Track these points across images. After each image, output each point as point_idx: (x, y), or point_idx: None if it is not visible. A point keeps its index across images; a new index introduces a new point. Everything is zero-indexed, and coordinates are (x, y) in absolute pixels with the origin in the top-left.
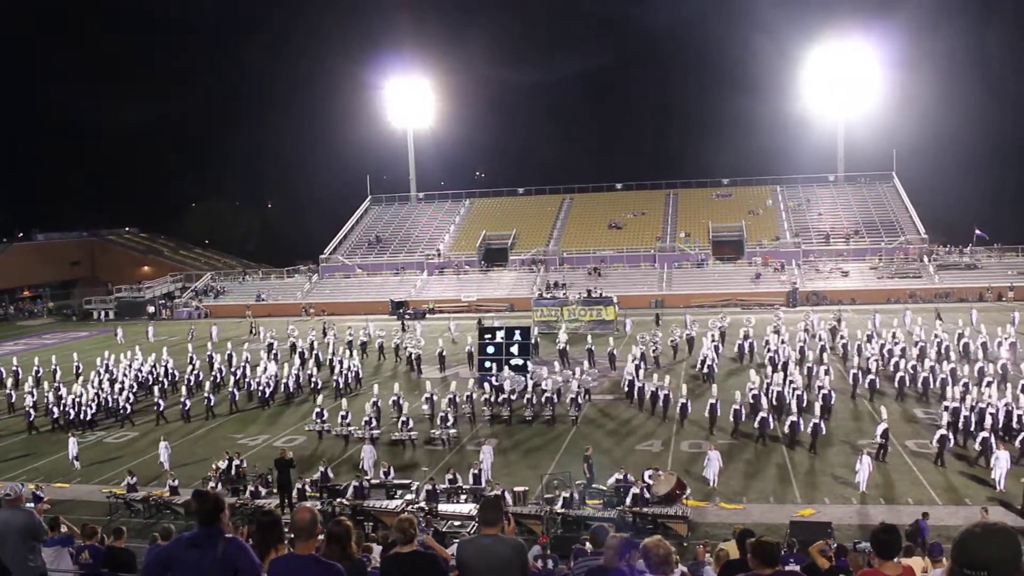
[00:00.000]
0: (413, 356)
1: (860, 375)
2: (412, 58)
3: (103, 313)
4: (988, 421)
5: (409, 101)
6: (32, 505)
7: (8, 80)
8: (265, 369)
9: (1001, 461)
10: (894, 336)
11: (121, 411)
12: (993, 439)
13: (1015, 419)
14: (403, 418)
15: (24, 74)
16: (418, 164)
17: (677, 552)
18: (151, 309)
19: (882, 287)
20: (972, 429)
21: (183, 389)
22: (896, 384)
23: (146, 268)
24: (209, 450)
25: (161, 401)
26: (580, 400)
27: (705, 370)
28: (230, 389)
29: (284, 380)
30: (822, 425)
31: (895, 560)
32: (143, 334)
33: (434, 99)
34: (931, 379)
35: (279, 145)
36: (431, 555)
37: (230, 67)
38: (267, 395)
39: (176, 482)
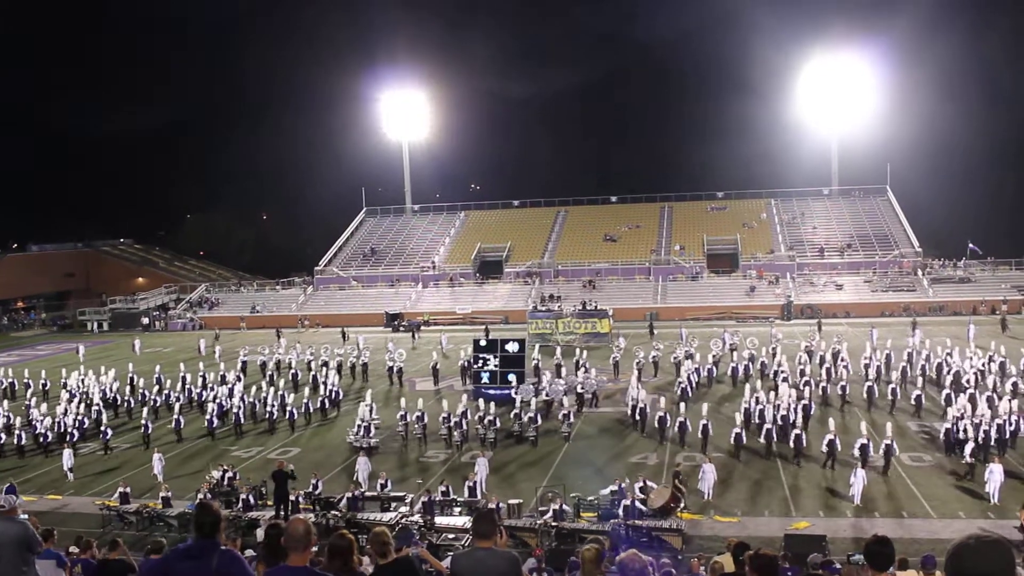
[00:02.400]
0: (395, 369)
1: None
2: (408, 71)
3: (97, 324)
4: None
5: (405, 113)
6: (25, 517)
7: (3, 90)
8: (231, 392)
9: (995, 475)
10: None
11: (42, 437)
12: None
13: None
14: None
15: (19, 84)
16: (413, 176)
17: (672, 566)
18: (145, 321)
19: (876, 300)
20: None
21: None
22: (943, 399)
23: (140, 279)
24: (204, 462)
25: (181, 418)
26: (572, 417)
27: (678, 391)
28: (175, 416)
29: (236, 410)
30: (838, 442)
31: (889, 572)
32: (131, 347)
33: (429, 112)
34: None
35: (274, 157)
36: (406, 559)
37: (226, 78)
38: (215, 424)
39: (170, 494)
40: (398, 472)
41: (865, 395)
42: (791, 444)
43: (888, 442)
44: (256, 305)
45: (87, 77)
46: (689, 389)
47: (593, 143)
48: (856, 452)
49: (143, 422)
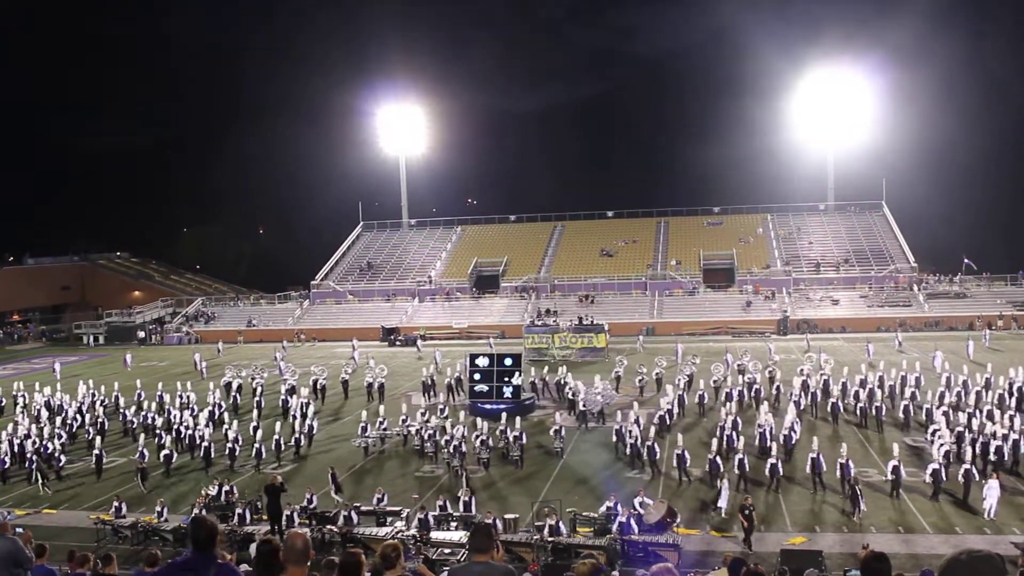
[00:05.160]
0: (375, 385)
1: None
2: (405, 85)
3: (93, 338)
4: (968, 453)
5: (401, 128)
6: (20, 532)
7: (1, 103)
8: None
9: (992, 490)
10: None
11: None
12: (974, 469)
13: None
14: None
15: (17, 99)
16: (410, 191)
17: None
18: (141, 334)
19: (872, 315)
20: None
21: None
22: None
23: (137, 293)
24: (198, 476)
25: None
26: (563, 433)
27: (656, 420)
28: (139, 448)
29: (203, 443)
30: (822, 460)
31: None
32: (122, 362)
33: (426, 126)
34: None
35: (271, 171)
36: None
37: (223, 93)
38: (173, 458)
39: (165, 508)
40: (394, 487)
41: (901, 414)
42: (809, 468)
43: (895, 463)
44: (252, 319)
45: (85, 91)
46: (668, 418)
47: (589, 158)
48: (837, 473)
49: (96, 452)
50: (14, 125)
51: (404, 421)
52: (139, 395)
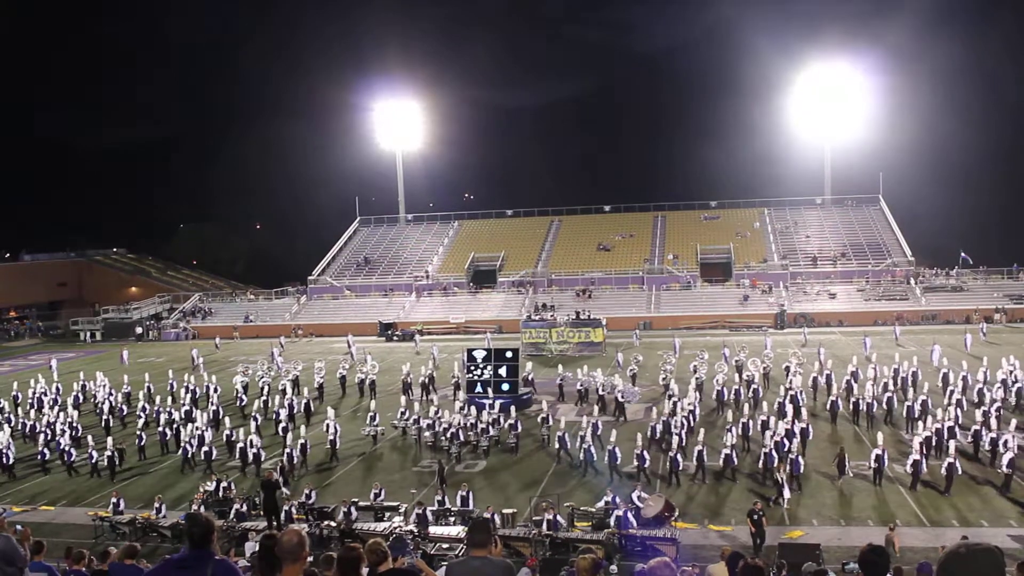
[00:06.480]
0: (367, 382)
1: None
2: (402, 80)
3: (89, 334)
4: (952, 446)
5: (398, 123)
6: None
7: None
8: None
9: None
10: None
11: None
12: (958, 463)
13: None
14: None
15: (13, 96)
16: (407, 186)
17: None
18: (138, 330)
19: (869, 309)
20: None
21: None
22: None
23: (133, 289)
24: (197, 472)
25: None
26: (551, 421)
27: (675, 439)
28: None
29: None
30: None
31: None
32: (119, 358)
33: (423, 121)
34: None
35: (268, 166)
36: (408, 570)
37: (220, 89)
38: (92, 466)
39: (163, 505)
40: (391, 482)
41: (884, 406)
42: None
43: (878, 452)
44: (249, 315)
45: (83, 88)
46: (692, 419)
47: (586, 152)
48: (788, 468)
49: (110, 452)
50: (14, 125)
51: (437, 412)
52: (171, 385)
